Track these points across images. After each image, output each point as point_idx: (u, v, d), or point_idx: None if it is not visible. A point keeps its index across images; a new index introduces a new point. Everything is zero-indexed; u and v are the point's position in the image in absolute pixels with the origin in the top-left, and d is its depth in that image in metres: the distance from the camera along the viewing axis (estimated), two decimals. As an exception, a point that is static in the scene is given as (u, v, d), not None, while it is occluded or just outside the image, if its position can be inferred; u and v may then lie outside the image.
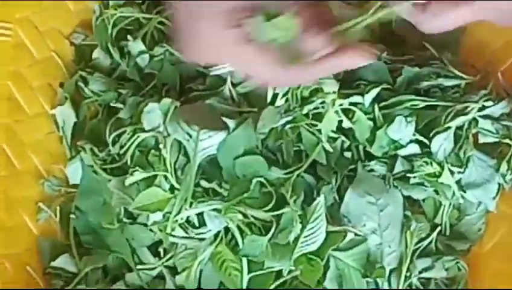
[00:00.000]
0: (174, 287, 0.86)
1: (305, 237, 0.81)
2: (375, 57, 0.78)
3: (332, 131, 0.85)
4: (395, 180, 0.86)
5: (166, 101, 0.84)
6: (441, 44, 0.91)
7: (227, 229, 0.83)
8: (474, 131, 0.87)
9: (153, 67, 0.91)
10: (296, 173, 0.83)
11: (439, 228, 0.87)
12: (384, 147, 0.86)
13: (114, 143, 0.87)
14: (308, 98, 0.84)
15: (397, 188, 0.86)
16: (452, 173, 0.86)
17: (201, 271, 0.84)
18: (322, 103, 0.84)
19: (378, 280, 0.84)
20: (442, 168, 0.85)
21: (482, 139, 0.87)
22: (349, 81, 0.87)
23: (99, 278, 0.89)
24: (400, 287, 0.84)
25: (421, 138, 0.85)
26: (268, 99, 0.84)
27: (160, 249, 0.87)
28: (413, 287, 0.86)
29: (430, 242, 0.87)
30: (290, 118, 0.83)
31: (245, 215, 0.81)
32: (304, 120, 0.84)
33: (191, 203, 0.82)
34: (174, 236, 0.83)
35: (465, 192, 0.87)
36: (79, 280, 0.89)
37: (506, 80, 0.91)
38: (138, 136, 0.85)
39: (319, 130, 0.84)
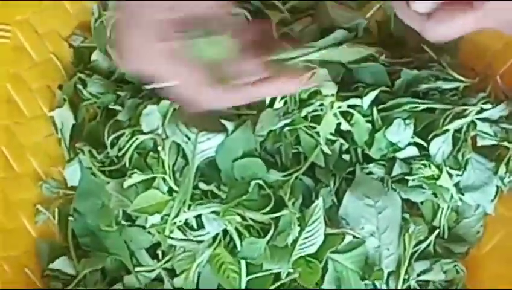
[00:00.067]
0: (173, 290, 0.86)
1: (303, 239, 0.81)
2: (309, 85, 0.78)
3: (331, 133, 0.85)
4: (393, 182, 0.86)
5: (165, 103, 0.84)
6: (440, 47, 0.90)
7: (225, 232, 0.83)
8: (472, 134, 0.87)
9: (151, 70, 0.91)
10: (295, 175, 0.83)
11: (437, 231, 0.88)
12: (382, 150, 0.86)
13: (112, 145, 0.87)
14: (307, 100, 0.84)
15: (395, 191, 0.86)
16: (450, 175, 0.86)
17: (199, 273, 0.85)
18: (321, 105, 0.84)
19: (376, 282, 0.84)
20: (441, 170, 0.85)
21: (480, 142, 0.87)
22: (347, 84, 0.87)
23: (98, 280, 0.89)
24: (398, 290, 0.84)
25: (419, 141, 0.85)
26: (267, 101, 0.84)
27: (159, 252, 0.87)
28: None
29: (429, 245, 0.87)
30: (288, 121, 0.83)
31: (243, 218, 0.81)
32: (302, 122, 0.84)
33: (190, 206, 0.82)
34: (172, 238, 0.84)
35: (463, 195, 0.87)
36: (77, 282, 0.89)
37: (505, 83, 0.91)
38: (137, 139, 0.85)
39: (318, 133, 0.84)
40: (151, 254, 0.87)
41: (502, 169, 0.87)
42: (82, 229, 0.90)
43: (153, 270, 0.87)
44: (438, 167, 0.85)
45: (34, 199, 0.93)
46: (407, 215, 0.85)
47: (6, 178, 0.93)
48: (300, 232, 0.80)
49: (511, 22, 0.70)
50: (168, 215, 0.82)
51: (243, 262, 0.82)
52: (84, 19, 0.96)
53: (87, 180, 0.90)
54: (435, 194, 0.86)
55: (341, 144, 0.86)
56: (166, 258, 0.86)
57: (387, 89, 0.87)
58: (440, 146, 0.85)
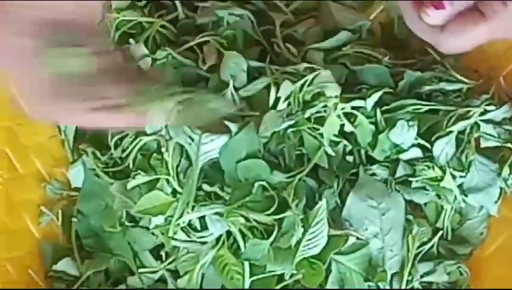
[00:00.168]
0: (176, 291, 0.86)
1: (307, 240, 0.81)
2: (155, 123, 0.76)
3: (334, 135, 0.85)
4: (397, 184, 0.86)
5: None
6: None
7: (229, 233, 0.83)
8: (476, 135, 0.87)
9: (155, 71, 0.91)
10: (298, 176, 0.83)
11: (440, 232, 0.88)
12: (386, 151, 0.86)
13: (116, 146, 0.87)
14: (310, 102, 0.84)
15: (399, 192, 0.86)
16: (454, 177, 0.86)
17: (203, 275, 0.85)
18: (324, 106, 0.84)
19: (380, 283, 0.84)
20: (444, 172, 0.85)
21: (483, 144, 0.87)
22: (351, 85, 0.88)
23: (101, 282, 0.89)
24: (402, 291, 0.84)
25: (423, 142, 0.86)
26: (271, 103, 0.84)
27: (162, 253, 0.87)
28: (415, 291, 0.86)
29: (432, 246, 0.87)
30: (292, 122, 0.83)
31: (247, 219, 0.81)
32: (306, 124, 0.84)
33: (193, 207, 0.82)
34: (176, 240, 0.84)
35: (466, 196, 0.87)
36: (81, 284, 0.89)
37: (508, 84, 0.91)
38: (140, 140, 0.85)
39: (321, 134, 0.84)
40: (155, 255, 0.87)
41: (506, 170, 0.87)
42: (85, 230, 0.90)
43: (156, 271, 0.87)
44: (441, 168, 0.85)
45: (38, 200, 0.93)
46: (410, 217, 0.85)
47: (9, 179, 0.92)
48: (303, 234, 0.80)
49: None
50: (172, 216, 0.82)
51: (246, 263, 0.82)
52: (88, 20, 0.96)
53: (91, 181, 0.90)
54: (438, 196, 0.86)
55: (344, 146, 0.86)
56: (170, 259, 0.86)
57: (391, 90, 0.87)
58: (443, 147, 0.85)
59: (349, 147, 0.86)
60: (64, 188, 0.93)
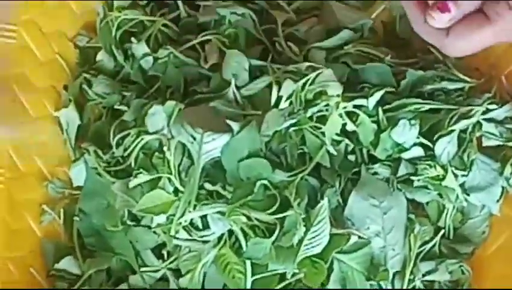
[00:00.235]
0: (178, 290, 0.86)
1: (308, 239, 0.81)
2: None
3: (336, 134, 0.85)
4: (398, 183, 0.86)
5: (171, 103, 0.84)
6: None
7: (231, 232, 0.83)
8: (478, 134, 0.87)
9: (157, 70, 0.91)
10: (300, 175, 0.83)
11: (442, 231, 0.88)
12: (388, 150, 0.86)
13: (118, 145, 0.87)
14: (312, 100, 0.84)
15: (401, 191, 0.86)
16: (456, 176, 0.86)
17: (205, 274, 0.84)
18: (326, 105, 0.84)
19: (381, 282, 0.84)
20: (446, 171, 0.85)
21: (485, 143, 0.87)
22: (353, 84, 0.88)
23: (103, 281, 0.89)
24: (404, 290, 0.84)
25: (424, 141, 0.85)
26: (272, 102, 0.84)
27: (164, 252, 0.87)
28: (417, 290, 0.86)
29: (434, 245, 0.87)
30: (294, 121, 0.83)
31: (249, 218, 0.81)
32: (307, 123, 0.84)
33: (195, 206, 0.82)
34: (177, 238, 0.83)
35: (468, 195, 0.87)
36: (83, 282, 0.89)
37: (510, 84, 0.91)
38: (142, 139, 0.85)
39: (323, 133, 0.84)
40: (157, 254, 0.87)
41: (508, 169, 0.87)
42: (87, 229, 0.90)
43: (158, 270, 0.87)
44: (443, 167, 0.85)
45: (40, 199, 0.93)
46: (412, 216, 0.85)
47: (11, 178, 0.93)
48: (305, 233, 0.80)
49: None
50: (174, 215, 0.82)
51: (248, 262, 0.82)
52: (90, 19, 0.96)
53: (93, 180, 0.90)
54: (440, 195, 0.86)
55: (346, 145, 0.86)
56: (172, 258, 0.86)
57: (393, 89, 0.87)
58: (445, 147, 0.85)
59: (351, 146, 0.86)
60: (66, 187, 0.93)
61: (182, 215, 0.82)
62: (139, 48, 0.91)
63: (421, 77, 0.88)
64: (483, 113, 0.86)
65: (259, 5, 0.94)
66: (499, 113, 0.87)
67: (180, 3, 0.93)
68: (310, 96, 0.84)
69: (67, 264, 0.90)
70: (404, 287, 0.84)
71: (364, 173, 0.86)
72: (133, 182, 0.84)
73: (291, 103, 0.84)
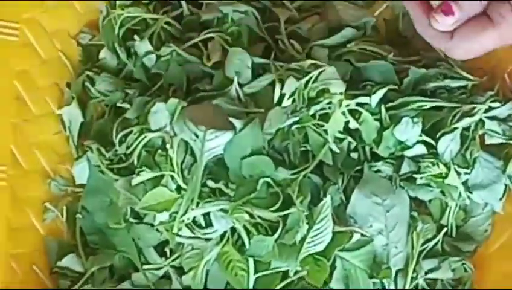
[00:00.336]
0: (181, 287, 0.86)
1: (311, 237, 0.81)
2: None
3: (339, 132, 0.85)
4: (401, 181, 0.86)
5: (173, 101, 0.84)
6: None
7: (233, 230, 0.83)
8: (480, 132, 0.87)
9: (159, 68, 0.91)
10: (303, 173, 0.83)
11: (445, 229, 0.88)
12: (390, 148, 0.86)
13: (121, 143, 0.87)
14: (315, 98, 0.84)
15: (404, 189, 0.86)
16: (458, 174, 0.86)
17: (207, 271, 0.85)
18: (329, 103, 0.84)
19: (384, 280, 0.84)
20: (449, 169, 0.85)
21: (488, 140, 0.87)
22: (356, 82, 0.88)
23: (106, 278, 0.89)
24: (406, 288, 0.84)
25: (427, 139, 0.85)
26: (275, 99, 0.84)
27: (167, 249, 0.87)
28: (420, 288, 0.86)
29: (437, 243, 0.87)
30: (296, 119, 0.83)
31: (251, 216, 0.81)
32: (310, 121, 0.84)
33: (198, 204, 0.82)
34: (180, 236, 0.84)
35: (471, 193, 0.87)
36: (85, 280, 0.89)
37: (513, 81, 0.91)
38: (145, 136, 0.85)
39: (326, 131, 0.84)
40: (159, 252, 0.88)
41: (510, 167, 0.87)
42: (90, 226, 0.90)
43: (161, 268, 0.87)
44: (446, 165, 0.85)
45: (42, 197, 0.93)
46: (415, 214, 0.85)
47: (14, 176, 0.93)
48: (308, 230, 0.80)
49: None
50: (176, 213, 0.82)
51: (251, 260, 0.82)
52: (92, 17, 0.96)
53: (95, 178, 0.90)
54: (443, 193, 0.86)
55: (349, 142, 0.86)
56: (174, 256, 0.86)
57: (396, 87, 0.87)
58: (448, 144, 0.85)
59: (354, 144, 0.86)
60: (69, 185, 0.93)
61: (185, 213, 0.82)
62: (142, 46, 0.91)
63: (424, 74, 0.89)
64: (486, 111, 0.86)
65: (262, 3, 0.94)
66: (502, 111, 0.87)
67: (183, 1, 0.93)
68: (313, 94, 0.84)
69: (70, 261, 0.90)
70: (407, 285, 0.84)
71: (367, 170, 0.86)
72: (136, 180, 0.84)
73: (294, 101, 0.84)
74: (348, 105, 0.84)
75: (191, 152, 0.83)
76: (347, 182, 0.86)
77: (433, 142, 0.85)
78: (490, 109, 0.86)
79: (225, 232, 0.83)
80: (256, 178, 0.82)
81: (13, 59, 0.94)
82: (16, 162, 0.93)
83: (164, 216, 0.83)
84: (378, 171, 0.86)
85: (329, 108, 0.84)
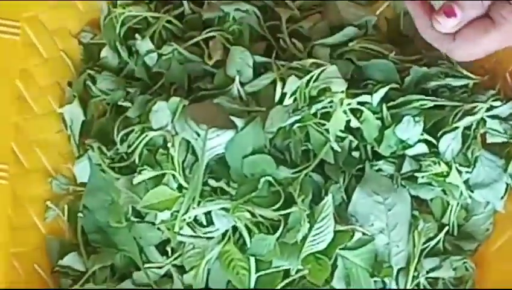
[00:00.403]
0: (182, 286, 0.86)
1: (313, 236, 0.81)
2: None
3: (340, 130, 0.85)
4: (402, 179, 0.86)
5: (175, 100, 0.84)
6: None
7: (235, 228, 0.83)
8: (482, 131, 0.87)
9: (161, 66, 0.91)
10: (304, 172, 0.83)
11: (446, 228, 0.88)
12: (392, 147, 0.86)
13: (122, 142, 0.88)
14: (316, 97, 0.84)
15: (405, 188, 0.86)
16: (460, 172, 0.86)
17: (209, 270, 0.85)
18: (330, 102, 0.84)
19: (385, 279, 0.84)
20: (450, 168, 0.85)
21: (490, 139, 0.87)
22: (357, 81, 0.88)
23: (107, 277, 0.89)
24: (408, 287, 0.84)
25: (429, 138, 0.85)
26: (277, 98, 0.84)
27: (168, 248, 0.87)
28: (421, 287, 0.86)
29: (438, 242, 0.87)
30: (298, 117, 0.83)
31: (253, 215, 0.81)
32: (312, 119, 0.84)
33: (199, 202, 0.82)
34: (182, 235, 0.84)
35: (472, 192, 0.87)
36: (87, 279, 0.89)
37: (515, 80, 0.91)
38: (146, 135, 0.85)
39: (327, 130, 0.84)
40: (161, 251, 0.87)
41: (512, 166, 0.87)
42: (91, 225, 0.90)
43: (162, 266, 0.87)
44: (447, 164, 0.85)
45: (44, 196, 0.93)
46: (416, 213, 0.85)
47: (15, 174, 0.93)
48: (309, 229, 0.80)
49: None
50: (178, 211, 0.82)
51: (252, 259, 0.82)
52: (94, 16, 0.96)
53: (97, 176, 0.90)
54: (444, 192, 0.86)
55: (350, 141, 0.86)
56: (176, 254, 0.86)
57: (397, 86, 0.87)
58: (449, 143, 0.85)
59: (355, 143, 0.86)
60: (70, 184, 0.93)
61: (186, 211, 0.82)
62: (143, 45, 0.91)
63: (425, 73, 0.89)
64: (488, 110, 0.86)
65: (263, 2, 0.94)
66: (503, 110, 0.87)
67: (184, 0, 0.93)
68: (314, 92, 0.84)
69: (71, 260, 0.90)
70: (408, 284, 0.84)
71: (369, 169, 0.86)
72: (137, 179, 0.84)
73: (295, 100, 0.84)
74: (349, 104, 0.84)
75: (193, 151, 0.83)
76: (348, 180, 0.86)
77: (434, 141, 0.85)
78: (491, 107, 0.86)
79: (226, 231, 0.83)
80: (258, 177, 0.82)
81: (14, 58, 0.94)
82: (17, 161, 0.93)
83: (165, 215, 0.84)
84: (380, 170, 0.86)
85: (331, 107, 0.84)
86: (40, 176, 0.93)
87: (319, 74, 0.84)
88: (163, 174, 0.84)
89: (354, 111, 0.85)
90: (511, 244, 0.90)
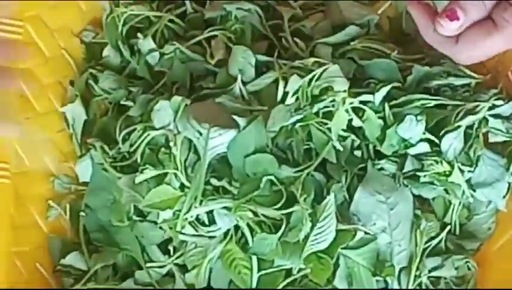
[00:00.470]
0: (184, 285, 0.86)
1: (315, 235, 0.81)
2: None
3: (343, 129, 0.85)
4: (405, 179, 0.86)
5: (177, 99, 0.84)
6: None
7: (237, 227, 0.83)
8: (484, 130, 0.87)
9: (163, 65, 0.91)
10: (306, 171, 0.83)
11: (448, 227, 0.88)
12: (394, 146, 0.86)
13: (124, 141, 0.88)
14: (319, 96, 0.84)
15: (407, 187, 0.86)
16: (462, 172, 0.85)
17: (211, 269, 0.85)
18: (332, 101, 0.84)
19: (387, 278, 0.84)
20: (452, 167, 0.85)
21: (492, 138, 0.87)
22: (359, 80, 0.88)
23: (109, 276, 0.89)
24: (410, 286, 0.84)
25: (431, 137, 0.85)
26: (279, 97, 0.84)
27: (170, 247, 0.87)
28: (423, 286, 0.86)
29: (440, 241, 0.87)
30: (300, 117, 0.83)
31: (255, 214, 0.81)
32: (314, 118, 0.84)
33: (201, 201, 0.82)
34: (184, 234, 0.84)
35: (475, 191, 0.87)
36: (89, 278, 0.89)
37: (517, 79, 0.91)
38: (148, 134, 0.85)
39: (329, 129, 0.84)
40: (163, 250, 0.87)
41: (514, 165, 0.87)
42: (93, 224, 0.90)
43: (164, 265, 0.87)
44: (449, 163, 0.85)
45: (46, 195, 0.93)
46: (418, 212, 0.85)
47: (18, 173, 0.93)
48: (311, 228, 0.80)
49: None
50: (180, 210, 0.82)
51: (254, 258, 0.82)
52: (96, 15, 0.96)
53: (99, 175, 0.90)
54: (446, 191, 0.86)
55: (353, 140, 0.86)
56: (178, 253, 0.86)
57: (399, 85, 0.87)
58: (452, 142, 0.85)
59: (358, 142, 0.86)
60: (72, 183, 0.93)
61: (188, 210, 0.82)
62: (145, 44, 0.91)
63: (428, 72, 0.89)
64: (490, 109, 0.86)
65: (266, 1, 0.94)
66: (506, 109, 0.87)
67: (186, -1, 0.93)
68: (316, 91, 0.84)
69: (73, 259, 0.90)
70: (410, 283, 0.84)
71: (371, 168, 0.86)
72: (139, 178, 0.84)
73: (297, 99, 0.84)
74: (351, 103, 0.84)
75: (195, 150, 0.83)
76: (350, 180, 0.86)
77: (436, 140, 0.85)
78: (494, 107, 0.86)
79: (228, 230, 0.83)
80: (260, 176, 0.82)
81: (17, 57, 0.94)
82: (20, 160, 0.93)
83: (167, 214, 0.84)
84: (382, 169, 0.86)
85: (333, 106, 0.84)
86: (42, 175, 0.93)
87: (321, 73, 0.84)
88: (165, 173, 0.84)
89: (356, 110, 0.85)
90: (513, 243, 0.90)
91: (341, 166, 0.85)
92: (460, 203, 0.88)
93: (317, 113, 0.84)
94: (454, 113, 0.86)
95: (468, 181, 0.86)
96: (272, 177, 0.82)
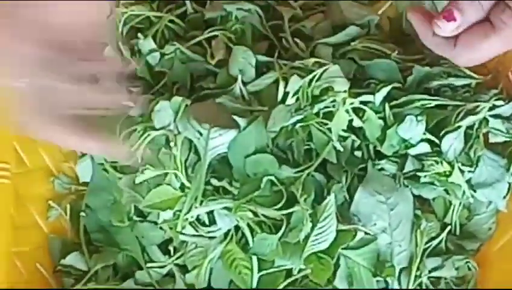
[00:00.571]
0: (184, 286, 0.86)
1: (315, 235, 0.81)
2: None
3: (343, 130, 0.85)
4: (405, 179, 0.86)
5: (177, 99, 0.84)
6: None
7: (237, 228, 0.83)
8: (484, 130, 0.87)
9: (163, 66, 0.91)
10: (307, 171, 0.83)
11: (449, 228, 0.88)
12: (394, 146, 0.86)
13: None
14: (319, 96, 0.84)
15: (407, 187, 0.86)
16: (462, 172, 0.86)
17: (211, 269, 0.85)
18: (333, 101, 0.84)
19: (388, 279, 0.84)
20: (453, 167, 0.85)
21: (492, 139, 0.87)
22: (359, 80, 0.88)
23: (109, 276, 0.89)
24: (410, 287, 0.84)
25: (431, 137, 0.85)
26: (279, 98, 0.84)
27: (170, 247, 0.87)
28: (423, 287, 0.86)
29: (440, 241, 0.87)
30: (300, 117, 0.83)
31: (255, 214, 0.81)
32: (314, 119, 0.84)
33: (201, 202, 0.82)
34: (184, 234, 0.84)
35: (475, 191, 0.87)
36: (89, 278, 0.89)
37: (517, 80, 0.91)
38: (149, 134, 0.85)
39: (330, 129, 0.84)
40: (163, 250, 0.88)
41: (514, 166, 0.87)
42: (94, 225, 0.90)
43: (164, 266, 0.87)
44: (449, 163, 0.85)
45: (46, 195, 0.93)
46: (419, 212, 0.85)
47: (18, 173, 0.92)
48: (312, 229, 0.80)
49: None
50: (180, 211, 0.82)
51: (254, 258, 0.82)
52: (96, 15, 0.96)
53: (99, 176, 0.90)
54: (446, 191, 0.86)
55: (353, 141, 0.86)
56: (178, 254, 0.86)
57: (399, 85, 0.87)
58: (452, 143, 0.85)
59: (358, 142, 0.86)
60: (73, 183, 0.93)
61: (189, 211, 0.82)
62: (146, 44, 0.91)
63: (428, 73, 0.89)
64: (490, 109, 0.86)
65: (266, 1, 0.94)
66: (506, 109, 0.87)
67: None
68: (317, 92, 0.84)
69: (73, 260, 0.90)
70: (411, 284, 0.84)
71: (371, 169, 0.86)
72: (140, 178, 0.84)
73: (297, 99, 0.84)
74: (351, 103, 0.84)
75: (195, 150, 0.83)
76: (351, 180, 0.86)
77: (437, 141, 0.85)
78: (494, 107, 0.86)
79: (229, 230, 0.83)
80: (260, 176, 0.82)
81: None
82: (20, 160, 0.93)
83: (168, 214, 0.84)
84: (382, 169, 0.86)
85: (333, 106, 0.84)
86: (43, 175, 0.93)
87: (322, 73, 0.84)
88: (166, 174, 0.84)
89: (356, 110, 0.85)
90: (513, 244, 0.90)
91: (341, 166, 0.85)
92: (460, 203, 0.88)
93: (317, 114, 0.84)
94: (454, 113, 0.86)
95: (468, 181, 0.86)
96: (272, 178, 0.82)
